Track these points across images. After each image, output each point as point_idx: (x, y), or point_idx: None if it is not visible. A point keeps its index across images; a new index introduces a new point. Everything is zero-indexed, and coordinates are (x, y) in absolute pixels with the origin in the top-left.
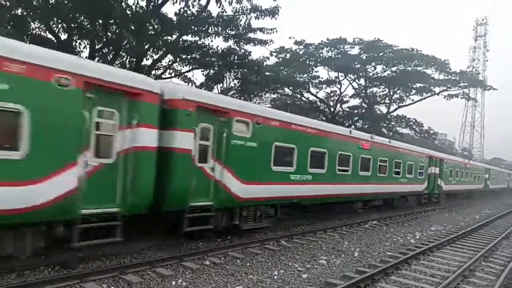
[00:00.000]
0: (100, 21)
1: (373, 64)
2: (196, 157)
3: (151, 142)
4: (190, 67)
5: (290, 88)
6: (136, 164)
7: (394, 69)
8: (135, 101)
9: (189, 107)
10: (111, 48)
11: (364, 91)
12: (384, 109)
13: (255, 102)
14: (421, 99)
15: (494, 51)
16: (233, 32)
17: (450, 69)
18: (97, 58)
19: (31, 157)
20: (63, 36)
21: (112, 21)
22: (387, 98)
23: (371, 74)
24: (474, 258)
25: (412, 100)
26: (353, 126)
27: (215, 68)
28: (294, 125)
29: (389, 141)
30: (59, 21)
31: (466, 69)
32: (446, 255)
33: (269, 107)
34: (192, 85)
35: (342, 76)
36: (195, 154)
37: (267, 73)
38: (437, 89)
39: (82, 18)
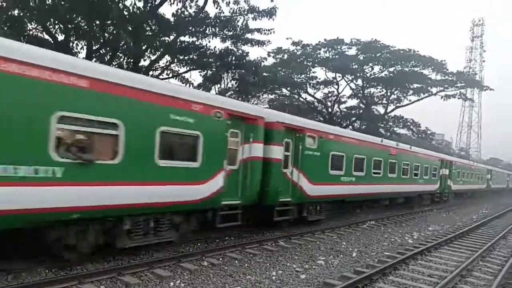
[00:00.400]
0: (97, 22)
1: (370, 64)
2: (282, 164)
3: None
4: (188, 68)
5: (288, 88)
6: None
7: (391, 69)
8: (251, 124)
9: (280, 127)
10: (108, 49)
11: (361, 91)
12: (381, 110)
13: (252, 103)
14: (418, 100)
15: (491, 52)
16: (230, 33)
17: (447, 69)
18: (94, 59)
19: (203, 165)
20: (60, 37)
21: (109, 21)
22: (384, 99)
23: (368, 74)
24: (472, 258)
25: (410, 100)
26: (350, 127)
27: (213, 69)
28: (343, 137)
29: (410, 147)
30: (56, 22)
31: (463, 70)
32: (443, 255)
33: (266, 107)
34: (190, 86)
35: (339, 76)
36: (282, 162)
37: (264, 73)
38: (434, 90)
39: (79, 19)
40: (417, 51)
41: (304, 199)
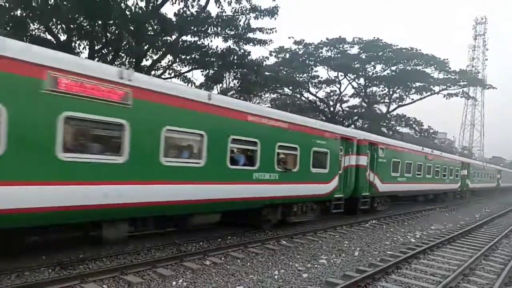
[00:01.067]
0: (100, 22)
1: (372, 63)
2: (367, 169)
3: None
4: (190, 68)
5: (290, 88)
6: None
7: (393, 68)
8: (350, 142)
9: (366, 143)
10: (110, 48)
11: (363, 90)
12: (383, 109)
13: (254, 102)
14: (420, 98)
15: (494, 51)
16: (232, 32)
17: (450, 68)
18: (96, 59)
19: (329, 171)
20: (63, 37)
21: (111, 21)
22: (386, 98)
23: (370, 73)
24: (475, 257)
25: (412, 99)
26: (352, 126)
27: (215, 68)
28: (399, 147)
29: (441, 153)
30: (59, 22)
31: (466, 68)
32: (446, 254)
33: (269, 106)
34: (192, 86)
35: (341, 75)
36: (367, 167)
37: (266, 73)
38: (436, 88)
39: (82, 19)
40: (420, 50)
41: (377, 194)
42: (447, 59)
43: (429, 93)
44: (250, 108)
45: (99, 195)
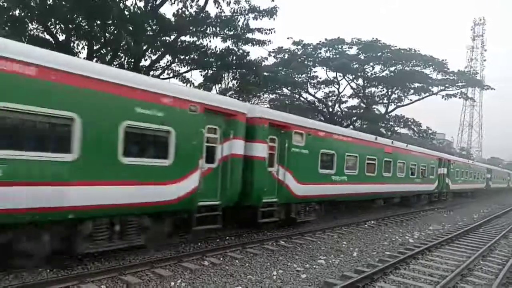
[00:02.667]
0: (98, 22)
1: (371, 64)
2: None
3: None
4: (189, 68)
5: (289, 88)
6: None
7: (392, 69)
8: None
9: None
10: (109, 48)
11: (362, 91)
12: (382, 109)
13: (253, 103)
14: (419, 99)
15: (493, 52)
16: (231, 33)
17: (448, 68)
18: (95, 59)
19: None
20: (61, 37)
21: (110, 22)
22: (385, 98)
23: (369, 74)
24: (473, 257)
25: (410, 100)
26: (351, 126)
27: (214, 69)
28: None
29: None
30: (57, 22)
31: (464, 69)
32: (444, 255)
33: (267, 107)
34: (190, 86)
35: (340, 76)
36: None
37: (265, 73)
38: (435, 89)
39: (80, 19)
40: (418, 50)
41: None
42: (446, 60)
43: (427, 94)
44: None
45: None
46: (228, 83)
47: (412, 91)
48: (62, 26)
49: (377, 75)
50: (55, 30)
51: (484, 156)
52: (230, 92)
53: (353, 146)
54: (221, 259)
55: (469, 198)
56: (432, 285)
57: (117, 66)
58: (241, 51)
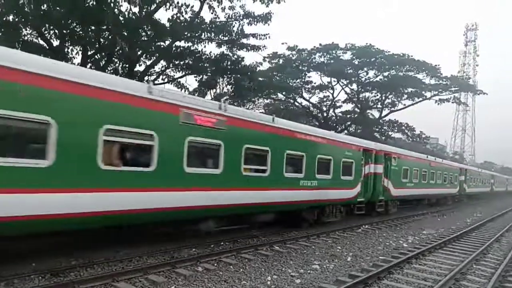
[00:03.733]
0: (93, 28)
1: (365, 69)
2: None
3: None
4: (183, 73)
5: (283, 93)
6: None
7: (386, 74)
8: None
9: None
10: (103, 54)
11: (356, 96)
12: (376, 114)
13: (248, 108)
14: (412, 104)
15: (485, 57)
16: (226, 38)
17: (441, 74)
18: (89, 64)
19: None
20: (55, 43)
21: (104, 27)
22: (379, 103)
23: (363, 79)
24: (466, 261)
25: (404, 104)
26: (345, 131)
27: (208, 74)
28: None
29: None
30: (51, 27)
31: (457, 74)
32: (438, 259)
33: (262, 112)
34: (185, 91)
35: (334, 81)
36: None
37: (260, 78)
38: (428, 94)
39: (74, 24)
40: (411, 56)
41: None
42: (439, 65)
43: (420, 99)
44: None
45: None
46: (222, 88)
47: (405, 96)
48: (56, 31)
49: (371, 80)
50: (49, 36)
51: (477, 160)
52: (225, 97)
53: (416, 163)
54: (215, 264)
55: (473, 200)
56: None
57: (112, 71)
58: (235, 56)
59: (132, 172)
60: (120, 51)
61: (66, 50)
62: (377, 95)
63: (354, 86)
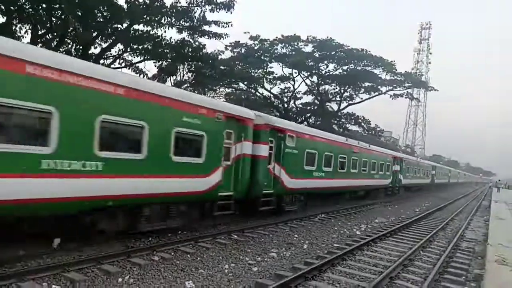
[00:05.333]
0: (44, 5)
1: (325, 62)
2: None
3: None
4: (142, 58)
5: (245, 83)
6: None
7: (345, 68)
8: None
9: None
10: (55, 34)
11: (316, 88)
12: (335, 106)
13: (209, 96)
14: (369, 98)
15: (437, 55)
16: (187, 24)
17: (396, 70)
18: (40, 44)
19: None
20: (1, 19)
21: (57, 6)
22: (338, 96)
23: (323, 72)
24: (414, 249)
25: (361, 98)
26: (305, 122)
27: (168, 60)
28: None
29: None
30: None
31: (411, 71)
32: (388, 246)
33: (223, 101)
34: (144, 77)
35: (295, 72)
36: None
37: (221, 67)
38: (384, 89)
39: (23, 0)
40: (369, 51)
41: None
42: (394, 61)
43: (377, 93)
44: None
45: None
46: (183, 75)
47: (363, 90)
48: (3, 7)
49: (330, 73)
50: None
51: (427, 153)
52: (186, 85)
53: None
54: (172, 253)
55: (413, 193)
56: (376, 275)
57: (64, 53)
58: (197, 43)
59: None
60: (74, 32)
61: (13, 28)
62: (336, 88)
63: (315, 79)
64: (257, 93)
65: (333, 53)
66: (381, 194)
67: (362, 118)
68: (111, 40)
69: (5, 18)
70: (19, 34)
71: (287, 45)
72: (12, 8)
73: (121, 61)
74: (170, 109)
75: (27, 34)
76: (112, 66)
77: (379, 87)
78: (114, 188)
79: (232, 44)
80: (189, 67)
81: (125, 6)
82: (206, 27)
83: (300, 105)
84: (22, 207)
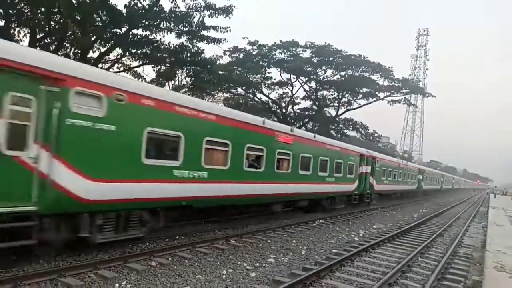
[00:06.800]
0: (43, 9)
1: (323, 68)
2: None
3: None
4: (140, 62)
5: (243, 88)
6: None
7: (343, 73)
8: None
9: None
10: (54, 38)
11: (314, 93)
12: (333, 112)
13: (207, 101)
14: (367, 103)
15: (434, 62)
16: (186, 29)
17: (394, 76)
18: (38, 48)
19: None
20: (0, 23)
21: (56, 9)
22: (336, 101)
23: (321, 77)
24: (412, 255)
25: (359, 104)
26: (303, 128)
27: (167, 65)
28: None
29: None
30: None
31: (408, 77)
32: (386, 252)
33: (221, 105)
34: (142, 81)
35: (294, 78)
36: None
37: (220, 72)
38: (381, 95)
39: (22, 4)
40: (367, 57)
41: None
42: (392, 67)
43: (374, 99)
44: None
45: None
46: (181, 80)
47: (360, 95)
48: (1, 11)
49: (328, 78)
50: None
51: (424, 159)
52: (184, 90)
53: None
54: (170, 259)
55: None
56: (375, 281)
57: (62, 56)
58: (195, 48)
59: None
60: (72, 36)
61: (12, 31)
62: (334, 94)
63: (313, 84)
64: (255, 98)
65: (331, 58)
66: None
67: (360, 123)
68: (109, 44)
69: (3, 21)
70: (17, 37)
71: (285, 50)
72: (10, 11)
73: (120, 65)
74: None
75: (26, 37)
76: (111, 70)
77: (376, 93)
78: None
79: (231, 49)
80: (187, 71)
81: (124, 10)
82: (204, 32)
83: (298, 110)
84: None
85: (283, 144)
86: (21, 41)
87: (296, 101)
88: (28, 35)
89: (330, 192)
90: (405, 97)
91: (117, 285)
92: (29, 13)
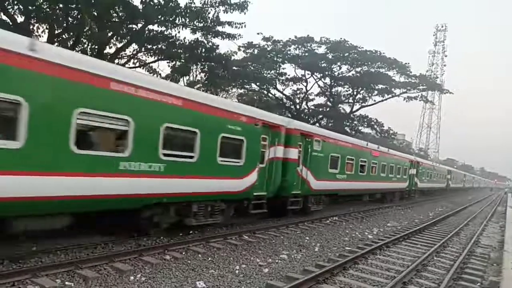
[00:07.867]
0: (61, 6)
1: (338, 63)
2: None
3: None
4: (156, 58)
5: (257, 84)
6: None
7: (358, 69)
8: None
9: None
10: (71, 34)
11: (329, 90)
12: (347, 108)
13: (221, 96)
14: (382, 100)
15: (452, 57)
16: (201, 25)
17: (411, 72)
18: (56, 44)
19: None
20: (20, 19)
21: (73, 6)
22: (350, 98)
23: (336, 73)
24: (427, 253)
25: (374, 100)
26: (317, 124)
27: (182, 60)
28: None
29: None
30: (15, 2)
31: (425, 73)
32: (401, 250)
33: (235, 101)
34: (158, 76)
35: (308, 74)
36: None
37: (234, 67)
38: (397, 91)
39: (41, 1)
40: (383, 53)
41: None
42: (408, 63)
43: (390, 95)
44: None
45: None
46: (196, 75)
47: (376, 92)
48: (21, 7)
49: (343, 74)
50: (13, 11)
51: (440, 157)
52: (198, 85)
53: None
54: (184, 253)
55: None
56: (389, 279)
57: (80, 52)
58: (210, 43)
59: None
60: (89, 32)
61: (31, 27)
62: (349, 90)
63: (327, 80)
64: (269, 94)
65: (346, 54)
66: (397, 197)
67: (375, 120)
68: (126, 40)
69: (23, 17)
70: (36, 33)
71: (300, 46)
72: (30, 7)
73: (136, 61)
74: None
75: (44, 33)
76: (127, 66)
77: (392, 89)
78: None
79: (245, 45)
80: (202, 67)
81: (140, 6)
82: (219, 28)
83: (312, 107)
84: None
85: (373, 157)
86: (40, 37)
87: (311, 97)
88: (46, 31)
89: (394, 188)
90: (421, 94)
91: (132, 277)
92: (47, 9)
